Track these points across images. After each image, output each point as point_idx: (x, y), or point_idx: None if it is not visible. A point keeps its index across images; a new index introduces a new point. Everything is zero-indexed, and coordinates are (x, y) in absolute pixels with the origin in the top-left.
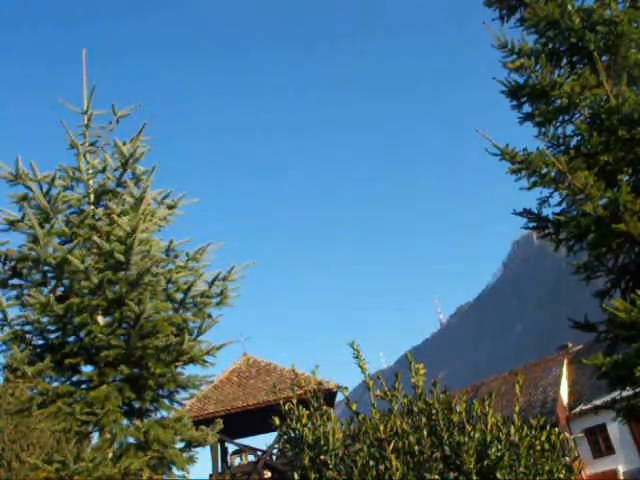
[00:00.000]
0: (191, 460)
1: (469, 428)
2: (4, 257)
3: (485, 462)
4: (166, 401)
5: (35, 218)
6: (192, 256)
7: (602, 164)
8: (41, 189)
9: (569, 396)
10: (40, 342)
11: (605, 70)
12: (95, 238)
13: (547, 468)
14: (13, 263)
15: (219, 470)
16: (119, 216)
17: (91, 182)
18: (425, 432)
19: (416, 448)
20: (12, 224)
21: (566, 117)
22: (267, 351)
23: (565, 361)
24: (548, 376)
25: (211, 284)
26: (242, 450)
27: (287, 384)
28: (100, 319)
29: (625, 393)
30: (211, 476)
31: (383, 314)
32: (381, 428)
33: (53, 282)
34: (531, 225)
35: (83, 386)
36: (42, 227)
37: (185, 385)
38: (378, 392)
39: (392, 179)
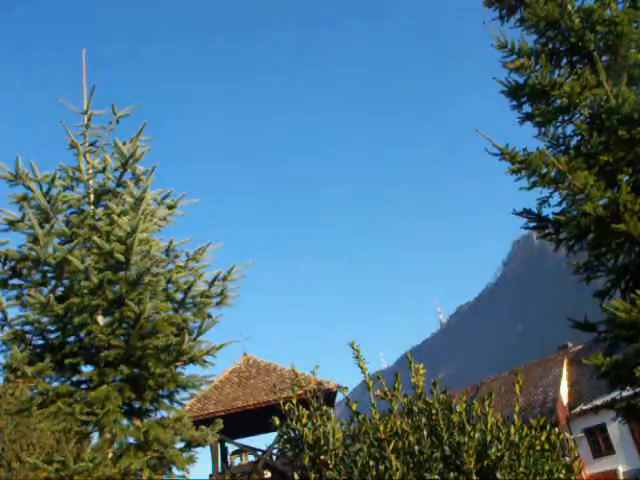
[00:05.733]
0: (191, 460)
1: (469, 428)
2: (4, 257)
3: (485, 462)
4: (166, 401)
5: (35, 218)
6: (192, 256)
7: (602, 164)
8: (41, 189)
9: (569, 396)
10: (40, 342)
11: (605, 70)
12: (95, 238)
13: (547, 468)
14: (13, 263)
15: (219, 470)
16: (119, 216)
17: (91, 182)
18: (425, 432)
19: (416, 448)
20: (12, 224)
21: (566, 117)
22: (267, 351)
23: (565, 361)
24: (548, 376)
25: (211, 284)
26: (242, 450)
27: (287, 384)
28: (100, 319)
29: (625, 393)
30: (211, 476)
31: (383, 314)
32: (381, 428)
33: (53, 282)
34: (531, 225)
35: (83, 386)
36: (42, 227)
37: (185, 385)
38: (378, 392)
39: (392, 179)
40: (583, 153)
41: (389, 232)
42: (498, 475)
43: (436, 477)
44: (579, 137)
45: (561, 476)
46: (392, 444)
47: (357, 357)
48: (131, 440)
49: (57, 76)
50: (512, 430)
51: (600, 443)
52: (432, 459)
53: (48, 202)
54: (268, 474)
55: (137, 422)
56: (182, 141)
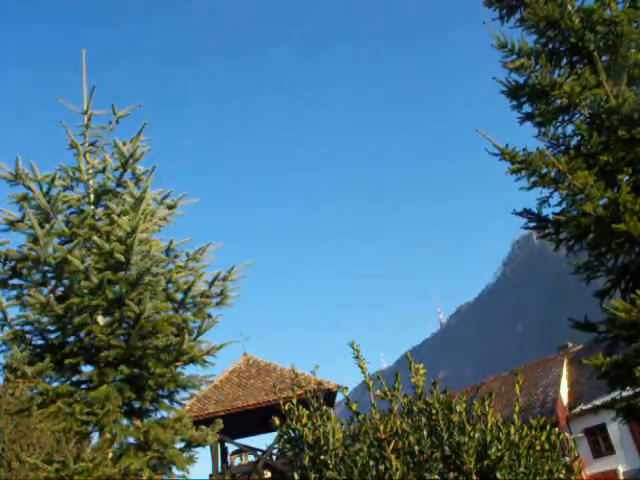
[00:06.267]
0: (191, 460)
1: (469, 428)
2: (4, 257)
3: (485, 462)
4: (166, 401)
5: (35, 218)
6: (192, 256)
7: (602, 164)
8: (41, 189)
9: (569, 396)
10: (40, 342)
11: (605, 70)
12: (95, 238)
13: (547, 468)
14: (13, 263)
15: (219, 470)
16: (119, 216)
17: (91, 182)
18: (425, 432)
19: (416, 448)
20: (12, 224)
21: (566, 117)
22: (267, 351)
23: (565, 361)
24: (548, 376)
25: (211, 284)
26: (242, 450)
27: (287, 384)
28: (100, 319)
29: (625, 393)
30: (211, 476)
31: (383, 314)
32: (381, 428)
33: (53, 282)
34: (531, 225)
35: (83, 386)
36: (42, 227)
37: (185, 385)
38: (378, 392)
39: (392, 179)
40: (583, 153)
41: (389, 232)
42: (498, 475)
43: (436, 477)
44: (579, 137)
45: (561, 476)
46: (392, 444)
47: (357, 357)
48: (131, 440)
49: (57, 76)
50: (512, 430)
51: (600, 443)
52: (432, 459)
53: (48, 202)
54: (268, 474)
55: (137, 422)
56: (182, 141)
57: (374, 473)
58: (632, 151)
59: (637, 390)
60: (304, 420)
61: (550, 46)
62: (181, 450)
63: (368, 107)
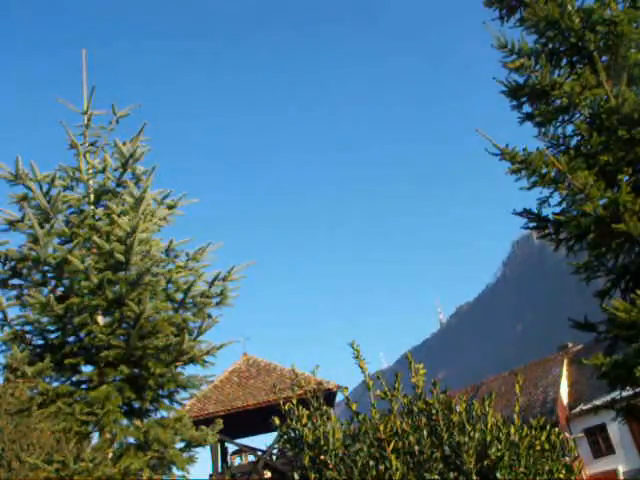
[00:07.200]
0: (191, 460)
1: (469, 428)
2: (4, 257)
3: (485, 462)
4: (166, 401)
5: (35, 218)
6: (192, 256)
7: (602, 164)
8: (41, 189)
9: (569, 396)
10: (40, 342)
11: (605, 70)
12: (95, 238)
13: (547, 468)
14: (13, 263)
15: (219, 470)
16: (119, 216)
17: (91, 182)
18: (425, 432)
19: (416, 448)
20: (12, 224)
21: (566, 117)
22: (267, 351)
23: (565, 361)
24: (548, 376)
25: (211, 284)
26: (242, 450)
27: (287, 384)
28: (100, 319)
29: (625, 393)
30: (211, 476)
31: (383, 314)
32: (381, 428)
33: (53, 282)
34: (531, 225)
35: (83, 386)
36: (42, 227)
37: (185, 385)
38: (378, 392)
39: (392, 178)
40: (583, 153)
41: (389, 232)
42: (498, 475)
43: (436, 477)
44: (579, 137)
45: (561, 476)
46: (392, 444)
47: (357, 357)
48: (131, 440)
49: (57, 76)
50: (512, 430)
51: (600, 443)
52: (432, 459)
53: (48, 202)
54: (268, 474)
55: (137, 422)
56: (182, 141)
57: (374, 473)
58: (632, 151)
59: (637, 390)
60: (304, 420)
61: (550, 46)
62: (181, 450)
63: (369, 106)
